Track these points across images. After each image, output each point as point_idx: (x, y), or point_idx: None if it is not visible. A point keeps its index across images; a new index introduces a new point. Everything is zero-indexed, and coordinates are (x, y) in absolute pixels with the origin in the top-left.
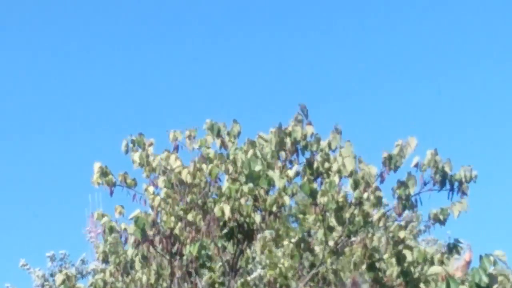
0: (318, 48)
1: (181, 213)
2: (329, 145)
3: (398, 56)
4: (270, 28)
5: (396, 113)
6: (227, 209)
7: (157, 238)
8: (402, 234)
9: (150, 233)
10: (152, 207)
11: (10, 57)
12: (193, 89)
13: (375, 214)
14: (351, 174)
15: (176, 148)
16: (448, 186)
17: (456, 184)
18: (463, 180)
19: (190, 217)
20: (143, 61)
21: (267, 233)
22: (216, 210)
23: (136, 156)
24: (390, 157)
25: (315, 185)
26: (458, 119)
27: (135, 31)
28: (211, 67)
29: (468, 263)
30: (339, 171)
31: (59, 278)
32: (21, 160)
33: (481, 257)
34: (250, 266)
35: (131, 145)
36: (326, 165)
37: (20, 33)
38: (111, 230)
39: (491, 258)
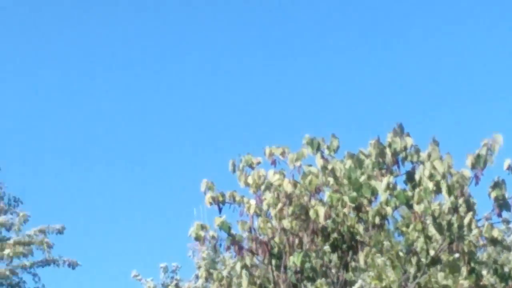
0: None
1: (283, 222)
2: (429, 156)
3: (477, 57)
4: (371, 41)
5: (472, 117)
6: (321, 211)
7: (254, 245)
8: (495, 233)
9: (249, 242)
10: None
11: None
12: (285, 105)
13: (466, 217)
14: (443, 176)
15: (274, 163)
16: None
17: None
18: None
19: (286, 223)
20: (243, 82)
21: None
22: (311, 213)
23: (243, 177)
24: (478, 156)
25: (410, 193)
26: None
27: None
28: (301, 83)
29: None
30: (431, 176)
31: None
32: (135, 174)
33: None
34: (354, 278)
35: (239, 164)
36: (425, 173)
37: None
38: (198, 237)
39: None
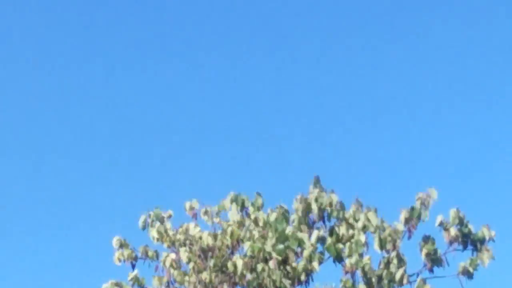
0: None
1: (202, 275)
2: (354, 216)
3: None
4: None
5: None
6: (240, 263)
7: None
8: None
9: None
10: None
11: None
12: (202, 161)
13: (398, 273)
14: (376, 229)
15: (194, 217)
16: (471, 246)
17: (478, 243)
18: (486, 238)
19: (205, 275)
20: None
21: None
22: (229, 265)
23: (154, 232)
24: (412, 209)
25: (341, 246)
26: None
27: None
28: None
29: None
30: (364, 227)
31: None
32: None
33: None
34: None
35: (149, 220)
36: (351, 232)
37: None
38: None
39: None
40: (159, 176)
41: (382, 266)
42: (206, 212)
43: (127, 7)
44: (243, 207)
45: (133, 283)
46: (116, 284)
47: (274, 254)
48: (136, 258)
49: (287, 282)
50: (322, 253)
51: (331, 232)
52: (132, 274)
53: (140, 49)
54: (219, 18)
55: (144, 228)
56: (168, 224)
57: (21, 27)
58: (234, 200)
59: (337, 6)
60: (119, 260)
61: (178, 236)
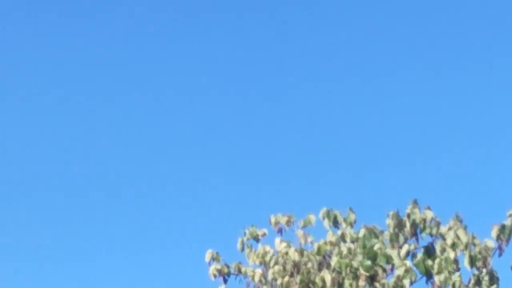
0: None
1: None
2: (450, 229)
3: None
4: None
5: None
6: (328, 278)
7: None
8: None
9: None
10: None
11: None
12: (293, 174)
13: None
14: (466, 246)
15: (280, 232)
16: None
17: None
18: None
19: None
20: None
21: None
22: (317, 280)
23: (253, 256)
24: (503, 227)
25: (430, 262)
26: None
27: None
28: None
29: None
30: (453, 245)
31: None
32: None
33: None
34: None
35: (243, 237)
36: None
37: None
38: None
39: None
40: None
41: (472, 283)
42: (288, 222)
43: None
44: (335, 223)
45: None
46: None
47: (362, 270)
48: (228, 273)
49: None
50: (414, 272)
51: (426, 250)
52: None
53: None
54: None
55: (242, 250)
56: (268, 247)
57: None
58: (326, 215)
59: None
60: (214, 275)
61: (270, 254)
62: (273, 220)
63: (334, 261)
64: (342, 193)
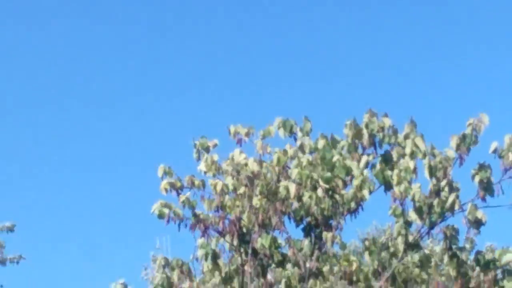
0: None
1: (253, 200)
2: (406, 138)
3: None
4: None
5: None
6: (292, 188)
7: (221, 225)
8: (479, 214)
9: (215, 222)
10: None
11: None
12: (251, 86)
13: (449, 199)
14: (424, 155)
15: (239, 142)
16: None
17: None
18: None
19: (255, 201)
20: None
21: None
22: (281, 190)
23: (202, 165)
24: (464, 137)
25: (389, 173)
26: None
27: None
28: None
29: None
30: (412, 153)
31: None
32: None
33: None
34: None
35: (194, 150)
36: (402, 161)
37: None
38: (162, 216)
39: None
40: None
41: (432, 194)
42: (248, 134)
43: None
44: (291, 133)
45: (184, 205)
46: (165, 205)
47: (321, 182)
48: (182, 187)
49: (336, 211)
50: (372, 181)
51: (384, 158)
52: (183, 197)
53: None
54: None
55: (199, 159)
56: (215, 156)
57: None
58: (282, 125)
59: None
60: (165, 189)
61: (224, 166)
62: (232, 130)
63: (294, 172)
64: (299, 103)
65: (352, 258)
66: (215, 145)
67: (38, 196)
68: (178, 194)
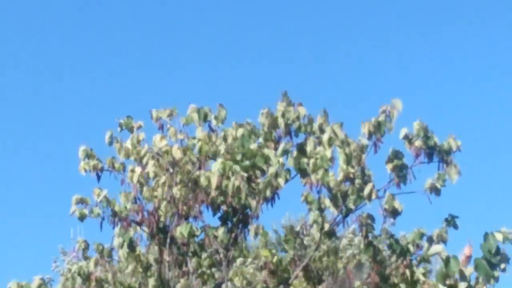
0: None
1: (172, 190)
2: (320, 128)
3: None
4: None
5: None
6: (214, 179)
7: (140, 216)
8: (396, 204)
9: (133, 214)
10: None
11: None
12: (171, 71)
13: (366, 188)
14: (342, 143)
15: (161, 128)
16: (436, 158)
17: (444, 154)
18: (452, 150)
19: (174, 191)
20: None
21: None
22: (202, 180)
23: (128, 143)
24: (378, 124)
25: (305, 160)
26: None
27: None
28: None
29: (469, 257)
30: (330, 139)
31: (35, 282)
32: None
33: (486, 234)
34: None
35: (118, 128)
36: (318, 148)
37: None
38: (82, 218)
39: (497, 235)
40: (126, 86)
41: (347, 182)
42: (170, 115)
43: None
44: (205, 120)
45: (103, 205)
46: (81, 200)
47: (240, 171)
48: (102, 169)
49: (252, 200)
50: (289, 170)
51: (300, 148)
52: (101, 195)
53: None
54: None
55: (110, 143)
56: (142, 135)
57: None
58: (196, 112)
59: None
60: (85, 170)
61: (145, 150)
62: (154, 114)
63: (218, 163)
64: (212, 91)
65: (273, 250)
66: (139, 127)
67: None
68: (98, 177)
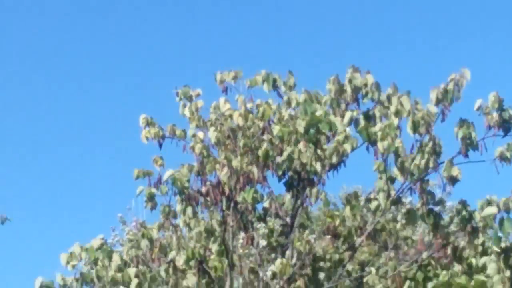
0: None
1: (231, 159)
2: (388, 98)
3: None
4: None
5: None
6: (266, 147)
7: (204, 189)
8: (455, 171)
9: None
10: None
11: None
12: (242, 38)
13: (431, 157)
14: (409, 113)
15: (225, 91)
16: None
17: None
18: None
19: (235, 163)
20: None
21: None
22: (260, 153)
23: (186, 110)
24: (446, 91)
25: (373, 129)
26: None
27: None
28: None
29: None
30: (397, 112)
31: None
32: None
33: None
34: (308, 222)
35: (177, 98)
36: (391, 109)
37: None
38: (152, 198)
39: None
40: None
41: (415, 149)
42: (235, 78)
43: None
44: (274, 86)
45: (172, 183)
46: (144, 172)
47: (303, 138)
48: (163, 137)
49: (318, 165)
50: (355, 138)
51: (366, 115)
52: (167, 174)
53: None
54: None
55: (180, 100)
56: (200, 102)
57: None
58: (266, 78)
59: None
60: (146, 138)
61: (208, 115)
62: (218, 77)
63: (276, 129)
64: (282, 57)
65: (335, 213)
66: (198, 95)
67: (16, 155)
68: (160, 144)
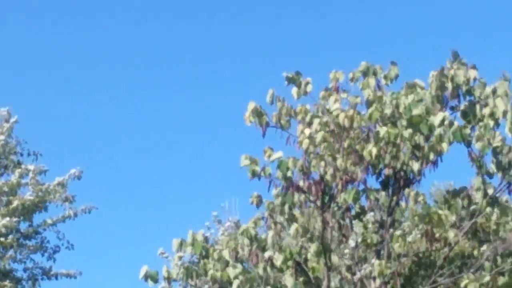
0: None
1: (337, 162)
2: (494, 92)
3: None
4: None
5: None
6: (374, 151)
7: (306, 184)
8: None
9: (298, 179)
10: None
11: None
12: (344, 31)
13: None
14: (504, 114)
15: (336, 90)
16: None
17: None
18: None
19: (339, 162)
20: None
21: None
22: (365, 154)
23: (294, 91)
24: None
25: (467, 131)
26: None
27: None
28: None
29: None
30: (492, 114)
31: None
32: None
33: None
34: (402, 219)
35: (285, 82)
36: (486, 111)
37: None
38: (254, 174)
39: None
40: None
41: None
42: (352, 79)
43: None
44: (375, 78)
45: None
46: (252, 160)
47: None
48: (268, 124)
49: (415, 164)
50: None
51: (464, 114)
52: (276, 156)
53: None
54: None
55: (272, 102)
56: (309, 87)
57: None
58: (365, 71)
59: None
60: (250, 121)
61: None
62: (332, 75)
63: (382, 131)
64: (381, 50)
65: (433, 210)
66: (307, 83)
67: (105, 144)
68: (263, 133)
